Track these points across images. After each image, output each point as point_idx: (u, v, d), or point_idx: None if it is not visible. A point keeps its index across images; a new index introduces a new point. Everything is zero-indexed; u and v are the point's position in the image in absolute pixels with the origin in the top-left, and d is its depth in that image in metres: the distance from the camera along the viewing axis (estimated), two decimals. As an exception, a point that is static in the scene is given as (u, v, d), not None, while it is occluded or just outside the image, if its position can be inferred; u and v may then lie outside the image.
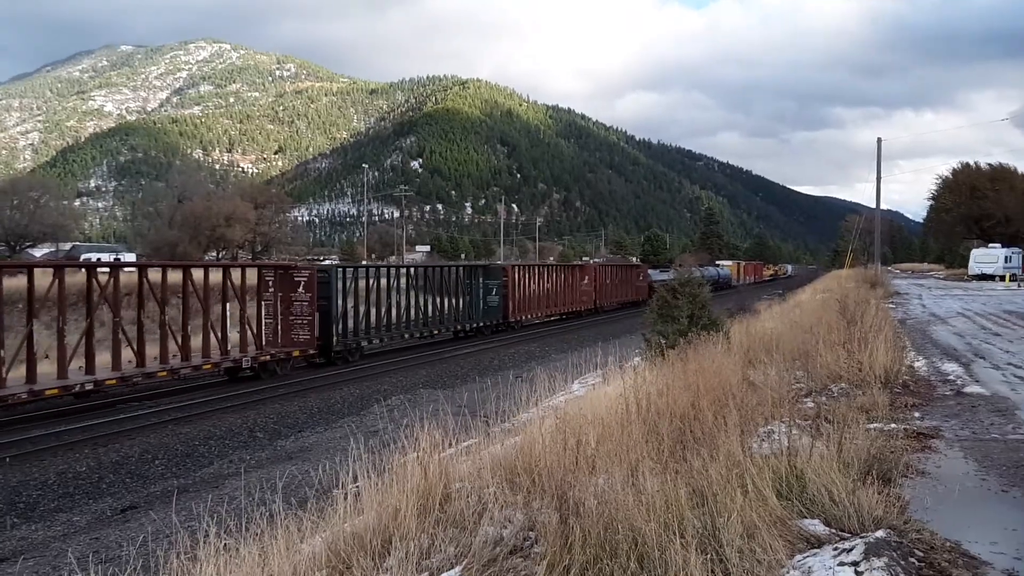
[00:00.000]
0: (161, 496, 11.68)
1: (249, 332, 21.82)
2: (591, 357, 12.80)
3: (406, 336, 29.74)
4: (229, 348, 21.14)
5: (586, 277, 47.48)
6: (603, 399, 9.08)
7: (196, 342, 20.29)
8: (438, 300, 31.57)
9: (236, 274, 22.81)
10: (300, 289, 23.06)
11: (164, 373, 18.82)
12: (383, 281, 28.83)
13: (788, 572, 4.50)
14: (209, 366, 20.18)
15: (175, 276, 20.80)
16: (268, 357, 21.77)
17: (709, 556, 4.51)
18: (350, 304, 26.26)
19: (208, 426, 16.29)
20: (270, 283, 22.86)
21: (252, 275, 23.37)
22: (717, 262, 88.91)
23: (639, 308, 51.63)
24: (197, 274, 21.59)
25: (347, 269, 27.92)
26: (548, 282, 41.95)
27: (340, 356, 25.13)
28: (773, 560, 4.60)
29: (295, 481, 9.94)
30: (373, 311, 27.48)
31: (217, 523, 5.43)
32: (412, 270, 31.94)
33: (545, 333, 36.55)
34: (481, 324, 34.19)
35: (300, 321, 23.02)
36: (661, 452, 6.50)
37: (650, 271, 61.97)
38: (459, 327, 33.12)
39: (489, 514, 5.57)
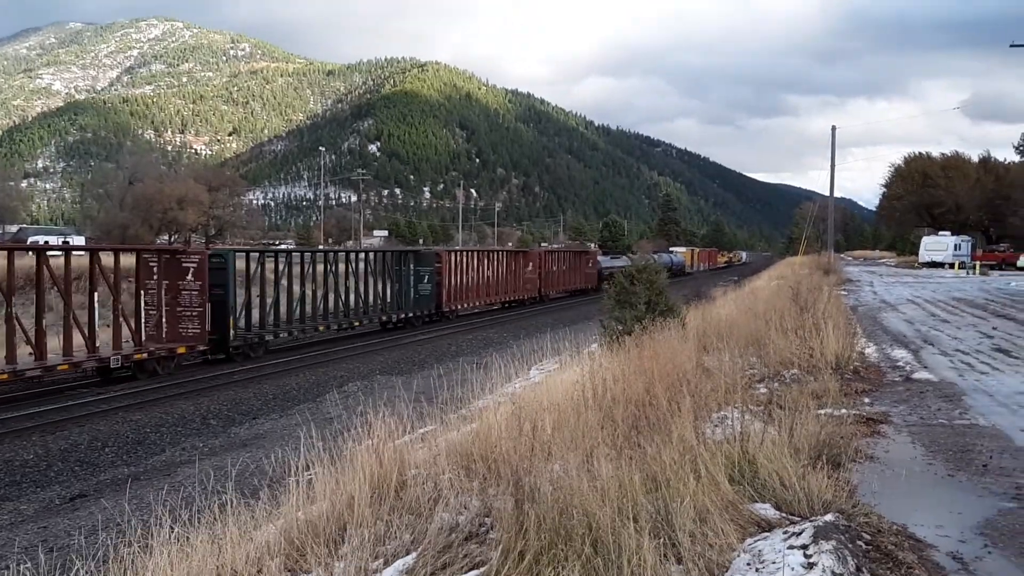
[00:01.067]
0: (111, 484, 11.50)
1: (127, 326, 19.40)
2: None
3: (320, 328, 26.77)
4: (98, 345, 18.33)
5: (530, 264, 45.15)
6: (559, 385, 9.12)
7: (74, 339, 17.77)
8: (362, 288, 29.35)
9: (111, 259, 20.59)
10: (189, 276, 20.46)
11: (5, 376, 15.84)
12: (297, 268, 26.37)
13: (739, 556, 4.56)
14: (65, 366, 17.35)
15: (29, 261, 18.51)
16: (145, 355, 19.17)
17: (662, 540, 4.55)
18: (255, 293, 24.01)
19: (160, 413, 16.06)
20: (154, 269, 20.18)
21: (132, 260, 20.65)
22: (671, 248, 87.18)
23: (588, 296, 50.29)
24: (78, 260, 19.61)
25: (251, 254, 25.61)
26: (488, 269, 39.56)
27: (239, 352, 22.61)
28: (724, 544, 4.66)
29: (249, 469, 9.86)
30: (284, 300, 25.13)
31: (169, 512, 5.36)
32: (331, 255, 29.20)
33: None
34: (410, 314, 31.83)
35: (189, 313, 20.42)
36: (616, 438, 6.55)
37: (600, 258, 60.57)
38: (385, 318, 30.60)
39: (445, 500, 5.58)
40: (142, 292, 19.97)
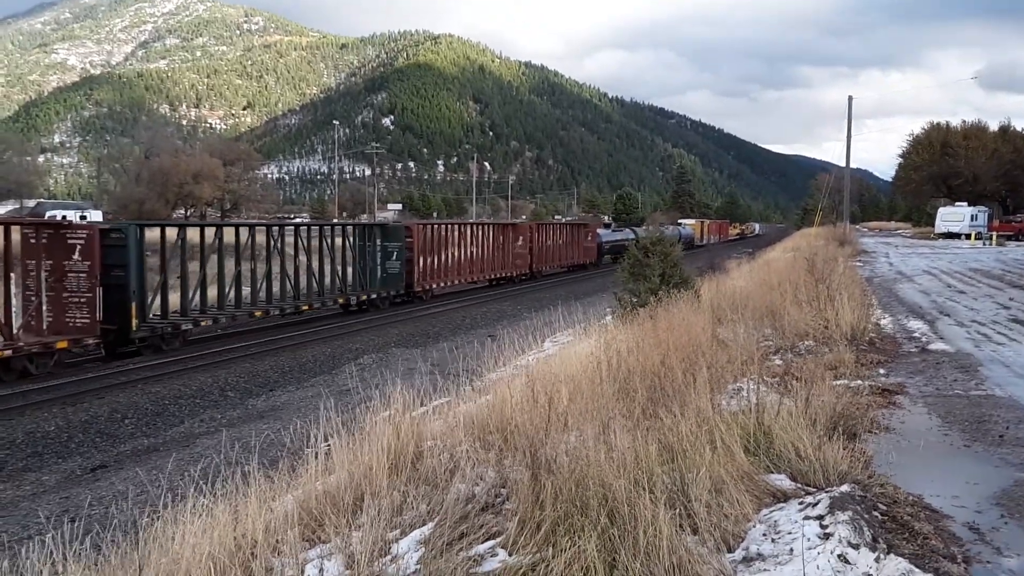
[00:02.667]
0: (131, 455, 11.63)
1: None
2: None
3: (258, 314, 22.96)
4: None
5: (520, 238, 41.44)
6: (575, 357, 9.13)
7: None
8: (315, 266, 25.85)
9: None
10: (76, 255, 17.33)
11: None
12: (239, 241, 23.05)
13: (755, 526, 4.59)
14: None
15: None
16: (10, 352, 15.81)
17: (678, 511, 4.58)
18: (175, 275, 20.86)
19: (179, 385, 16.19)
20: (34, 247, 17.20)
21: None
22: (679, 221, 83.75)
23: (586, 272, 48.40)
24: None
25: (167, 228, 21.86)
26: (471, 244, 36.03)
27: (147, 344, 19.20)
28: (740, 514, 4.68)
29: (267, 440, 9.94)
30: (217, 282, 21.97)
31: (189, 482, 5.42)
32: (277, 230, 25.11)
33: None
34: (374, 296, 28.28)
35: (77, 299, 17.30)
36: (632, 409, 6.56)
37: (600, 231, 57.47)
38: (343, 300, 27.40)
39: (461, 472, 5.62)
40: (11, 275, 16.74)
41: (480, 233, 37.54)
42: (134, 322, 18.67)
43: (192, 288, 20.94)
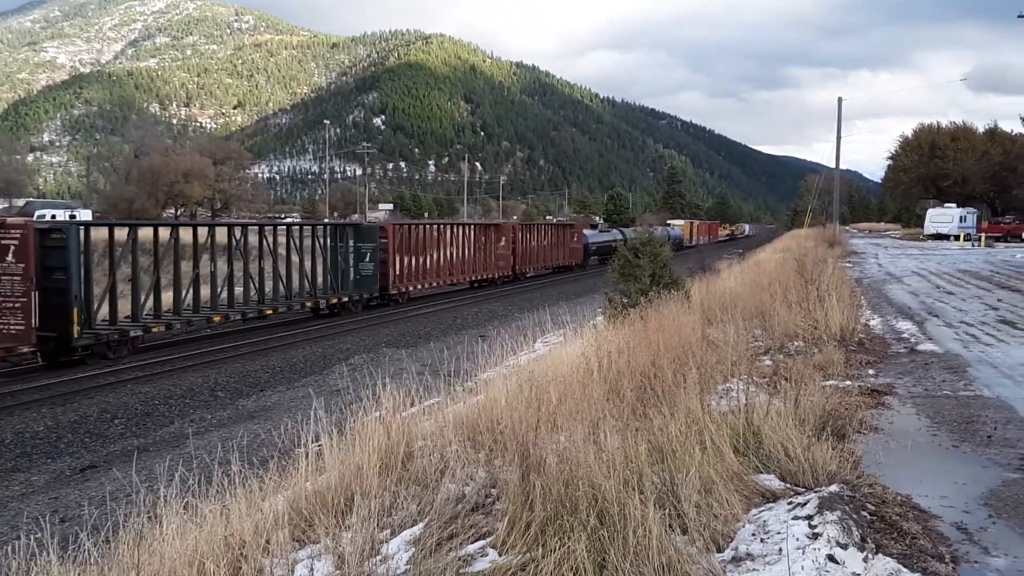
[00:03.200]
0: (121, 456, 11.60)
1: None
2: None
3: (217, 319, 21.63)
4: None
5: (502, 238, 40.07)
6: (565, 358, 9.14)
7: None
8: (283, 268, 24.53)
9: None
10: (9, 257, 16.30)
11: None
12: (197, 242, 22.19)
13: (744, 526, 4.60)
14: None
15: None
16: None
17: (668, 511, 4.59)
18: (126, 276, 19.65)
19: (168, 385, 16.14)
20: None
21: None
22: (668, 221, 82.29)
23: (572, 274, 47.43)
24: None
25: (116, 227, 20.38)
26: (451, 245, 34.80)
27: (92, 352, 17.86)
28: (729, 514, 4.70)
29: (257, 440, 9.94)
30: (173, 286, 20.61)
31: (178, 482, 5.41)
32: (239, 230, 23.63)
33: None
34: (345, 299, 26.90)
35: (11, 304, 16.25)
36: (622, 409, 6.58)
37: (586, 231, 56.54)
38: (311, 304, 25.77)
39: (451, 472, 5.62)
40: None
41: (460, 233, 36.32)
42: (75, 329, 17.31)
43: (145, 292, 19.65)
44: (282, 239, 25.63)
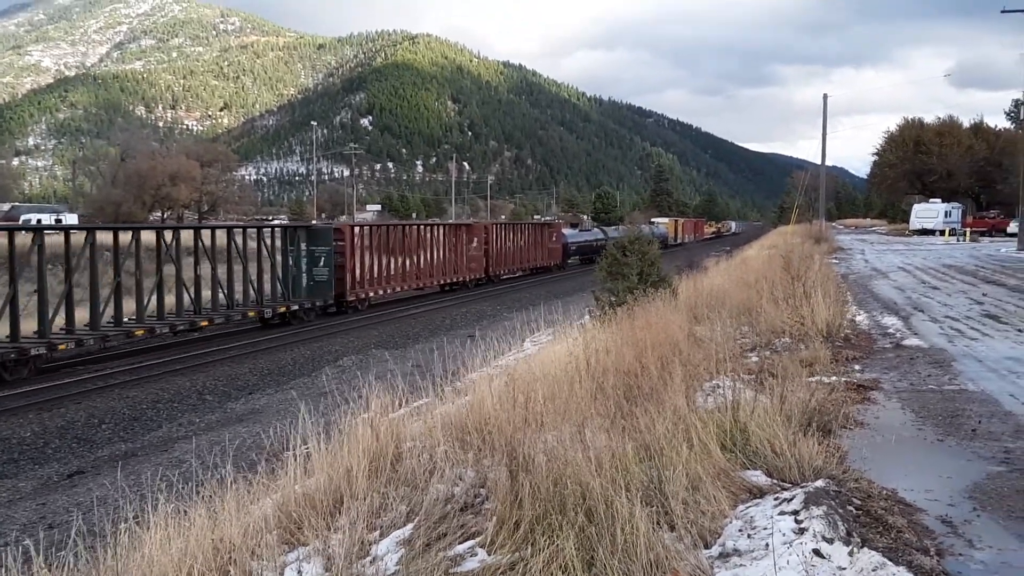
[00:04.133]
0: (109, 461, 11.55)
1: None
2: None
3: (139, 333, 19.35)
4: None
5: (475, 239, 38.01)
6: (552, 357, 9.16)
7: None
8: (223, 274, 22.49)
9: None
10: None
11: None
12: (118, 247, 19.80)
13: (731, 522, 4.63)
14: None
15: None
16: None
17: (655, 508, 4.62)
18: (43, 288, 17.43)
19: (156, 389, 16.09)
20: None
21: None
22: (652, 220, 79.76)
23: (550, 275, 45.71)
24: None
25: (15, 233, 19.12)
26: (417, 246, 32.97)
27: None
28: (717, 511, 4.73)
29: (245, 443, 9.92)
30: (90, 297, 18.70)
31: (167, 487, 5.41)
32: (171, 233, 21.67)
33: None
34: (295, 308, 24.65)
35: None
36: (609, 408, 6.60)
37: (566, 231, 54.64)
38: (252, 314, 23.52)
39: (440, 472, 5.63)
40: None
41: (429, 235, 34.47)
42: None
43: (55, 305, 17.61)
44: (238, 242, 23.53)
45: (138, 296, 19.80)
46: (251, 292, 23.65)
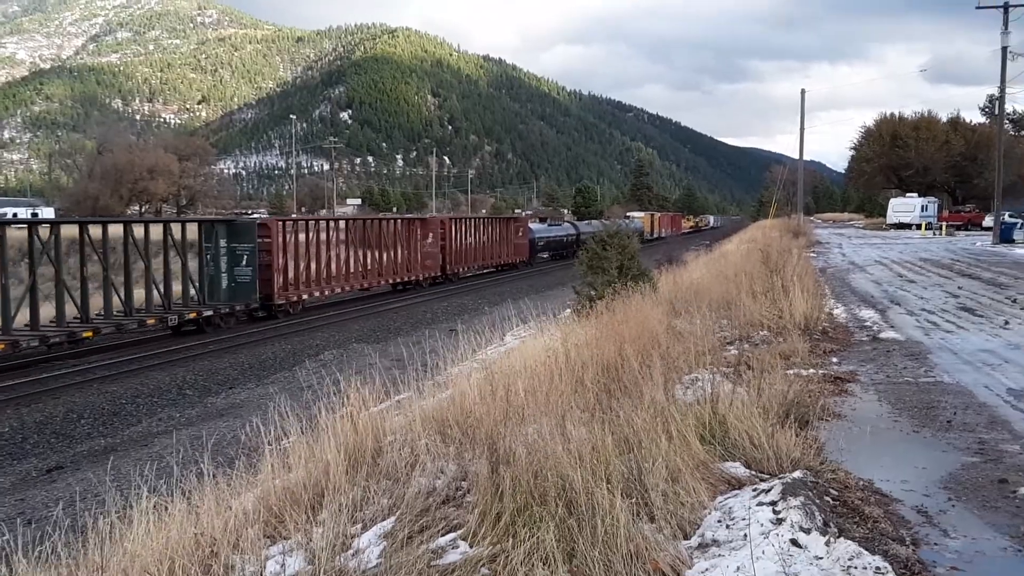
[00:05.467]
0: (88, 456, 11.50)
1: None
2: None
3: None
4: None
5: (430, 234, 35.49)
6: (532, 351, 9.20)
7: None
8: (117, 276, 19.94)
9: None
10: None
11: None
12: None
13: (710, 513, 4.68)
14: None
15: None
16: None
17: (635, 500, 4.65)
18: None
19: (136, 384, 16.01)
20: None
21: None
22: (628, 214, 76.85)
23: (516, 272, 44.33)
24: None
25: None
26: (361, 244, 30.22)
27: None
28: (696, 502, 4.77)
29: (226, 438, 9.89)
30: None
31: (146, 482, 5.39)
32: (48, 229, 18.92)
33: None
34: (210, 313, 22.06)
35: None
36: (589, 401, 6.64)
37: (533, 226, 52.01)
38: (152, 320, 20.34)
39: (421, 465, 5.64)
40: None
41: (375, 230, 31.61)
42: None
43: None
44: (137, 237, 20.85)
45: (3, 304, 16.84)
46: (156, 296, 21.14)
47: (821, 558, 3.95)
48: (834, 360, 9.85)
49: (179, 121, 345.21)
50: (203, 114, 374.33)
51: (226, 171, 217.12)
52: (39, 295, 18.38)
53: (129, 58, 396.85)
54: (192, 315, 21.55)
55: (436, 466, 5.66)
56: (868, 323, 13.01)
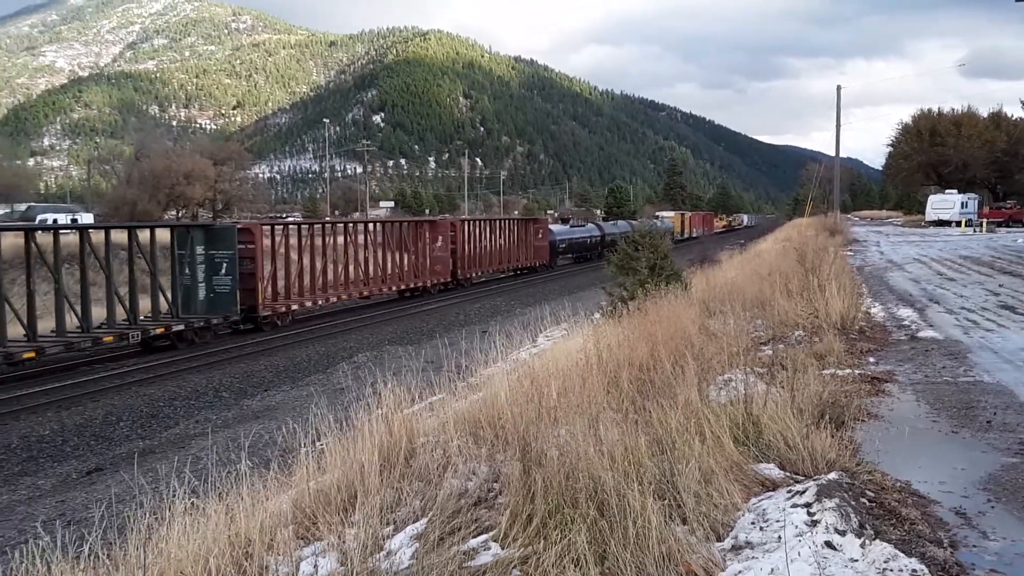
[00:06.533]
0: (127, 458, 11.66)
1: None
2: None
3: None
4: None
5: (439, 238, 33.44)
6: (564, 352, 9.18)
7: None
8: (69, 286, 19.11)
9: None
10: None
11: None
12: None
13: (743, 515, 4.64)
14: None
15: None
16: None
17: (667, 502, 4.63)
18: None
19: (173, 387, 16.22)
20: None
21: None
22: (657, 214, 74.16)
23: (536, 276, 42.32)
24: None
25: None
26: (360, 249, 28.26)
27: None
28: (729, 504, 4.74)
29: (261, 440, 9.97)
30: None
31: (183, 483, 5.46)
32: None
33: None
34: (181, 327, 20.08)
35: None
36: (621, 402, 6.61)
37: (554, 227, 50.40)
38: (110, 337, 18.24)
39: (453, 467, 5.65)
40: None
41: (377, 235, 29.56)
42: None
43: None
44: (93, 244, 18.96)
45: None
46: (120, 311, 19.26)
47: (856, 560, 3.91)
48: (871, 360, 9.72)
49: (215, 126, 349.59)
50: (238, 119, 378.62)
51: (261, 175, 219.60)
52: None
53: (165, 65, 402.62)
54: (160, 330, 19.51)
55: (468, 468, 5.67)
56: (906, 322, 12.83)
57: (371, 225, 30.72)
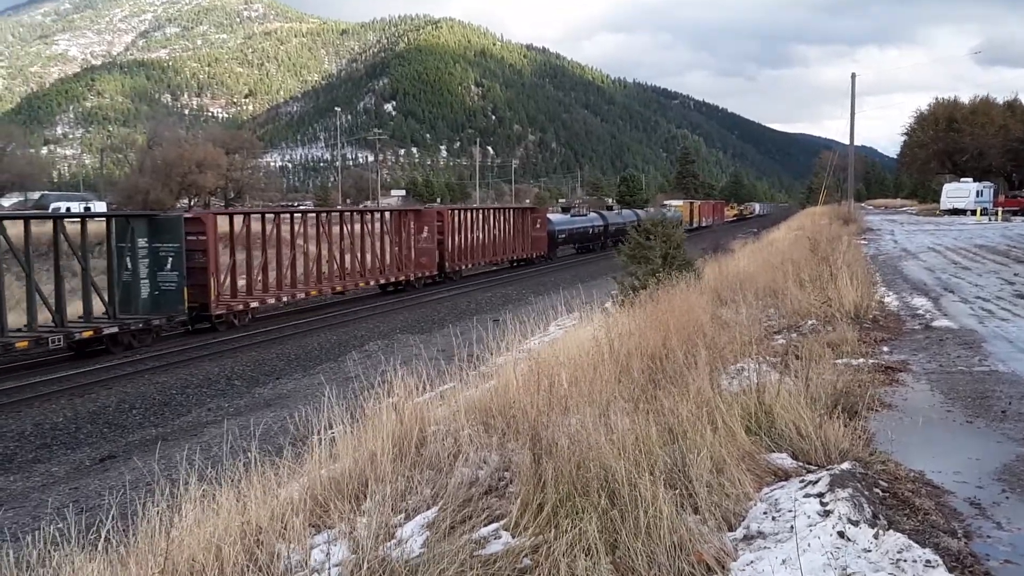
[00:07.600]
0: (139, 445, 11.73)
1: None
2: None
3: None
4: None
5: (425, 228, 31.37)
6: (575, 341, 9.16)
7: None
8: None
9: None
10: None
11: None
12: None
13: (755, 505, 4.62)
14: None
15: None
16: None
17: (679, 491, 4.61)
18: None
19: (185, 375, 16.28)
20: None
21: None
22: (665, 202, 70.71)
23: (533, 268, 40.24)
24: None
25: None
26: (333, 241, 26.06)
27: None
28: (741, 493, 4.71)
29: (273, 428, 10.01)
30: None
31: (196, 470, 5.48)
32: None
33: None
34: (116, 329, 17.95)
35: None
36: (632, 391, 6.59)
37: (552, 216, 47.88)
38: (23, 344, 16.15)
39: (464, 456, 5.65)
40: None
41: (353, 225, 27.48)
42: None
43: None
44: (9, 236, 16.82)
45: None
46: (42, 313, 17.26)
47: (869, 551, 3.88)
48: (885, 349, 9.66)
49: (226, 115, 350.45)
50: (250, 108, 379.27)
51: (272, 164, 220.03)
52: None
53: (178, 53, 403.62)
54: (87, 334, 17.35)
55: (479, 456, 5.67)
56: (920, 311, 12.74)
57: (347, 214, 28.64)
